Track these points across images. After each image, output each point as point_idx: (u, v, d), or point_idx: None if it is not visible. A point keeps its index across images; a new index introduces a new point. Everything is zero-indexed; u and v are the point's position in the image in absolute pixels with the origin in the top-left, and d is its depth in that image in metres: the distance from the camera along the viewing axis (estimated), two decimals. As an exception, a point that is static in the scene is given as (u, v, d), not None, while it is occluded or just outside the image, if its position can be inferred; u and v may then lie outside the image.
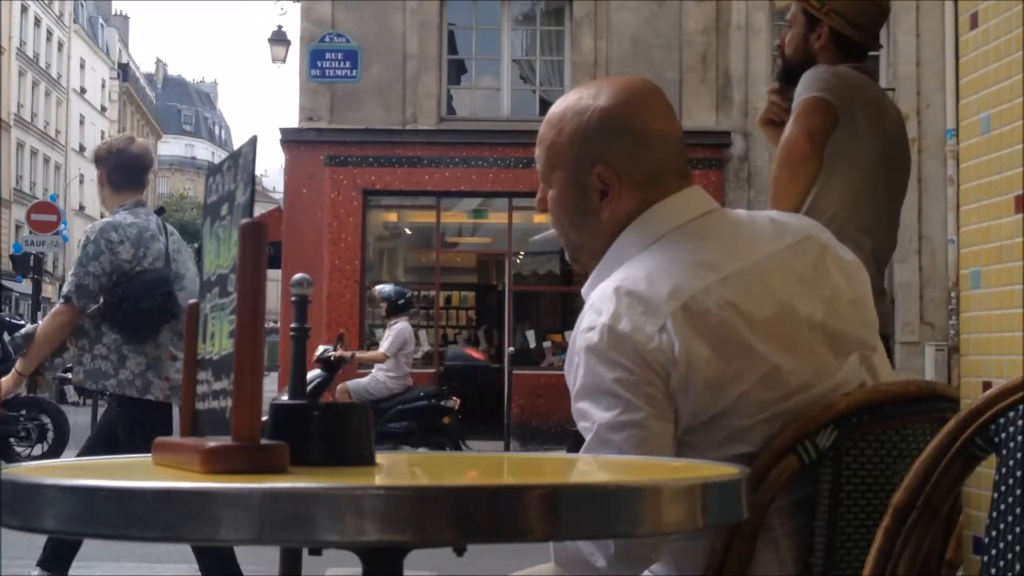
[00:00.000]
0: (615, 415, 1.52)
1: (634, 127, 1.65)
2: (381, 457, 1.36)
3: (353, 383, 10.10)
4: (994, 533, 1.26)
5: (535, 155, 1.73)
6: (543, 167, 1.72)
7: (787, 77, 3.17)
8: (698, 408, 1.54)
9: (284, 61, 17.09)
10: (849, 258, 1.72)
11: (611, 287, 1.57)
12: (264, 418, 1.21)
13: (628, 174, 1.64)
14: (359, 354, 10.84)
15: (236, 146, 1.52)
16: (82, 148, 55.47)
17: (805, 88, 2.96)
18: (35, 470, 1.25)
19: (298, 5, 15.55)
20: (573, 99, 1.69)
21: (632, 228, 1.65)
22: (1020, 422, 1.25)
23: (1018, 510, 1.23)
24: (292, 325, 6.06)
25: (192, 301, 1.42)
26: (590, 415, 1.55)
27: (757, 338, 1.55)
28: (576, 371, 1.57)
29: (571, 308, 15.76)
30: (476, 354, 14.81)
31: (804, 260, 1.65)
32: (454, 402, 9.98)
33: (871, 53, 3.18)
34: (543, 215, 1.80)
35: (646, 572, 1.65)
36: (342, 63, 14.98)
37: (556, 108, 1.71)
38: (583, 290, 1.70)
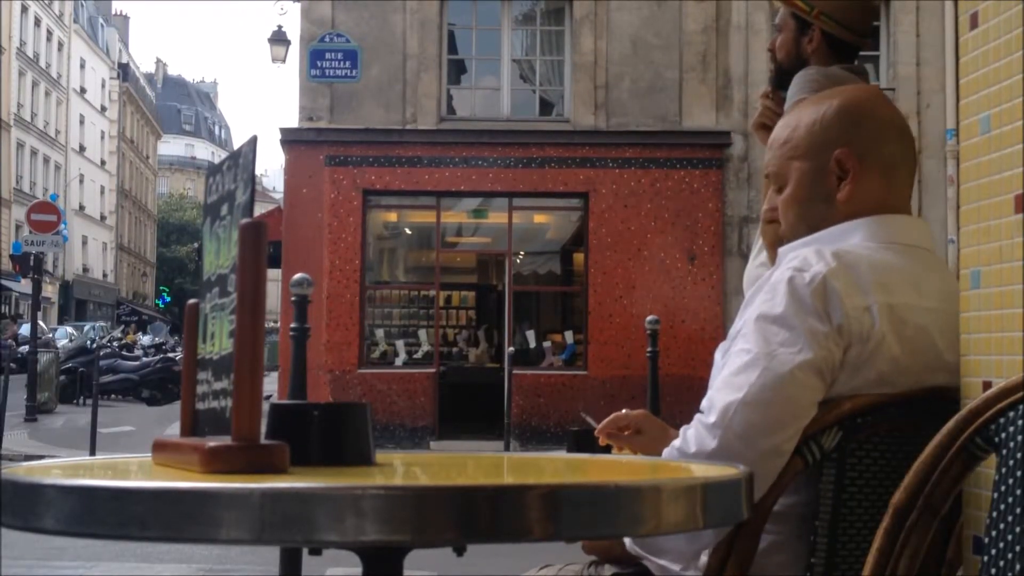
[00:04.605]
0: (791, 351, 1.55)
1: (875, 114, 1.73)
2: (381, 457, 1.36)
3: None
4: (994, 533, 1.26)
5: (765, 165, 1.78)
6: (777, 167, 1.76)
7: (780, 81, 3.16)
8: (858, 388, 1.58)
9: (284, 61, 17.07)
10: None
11: (833, 250, 1.62)
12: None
13: (868, 157, 1.70)
14: None
15: (236, 146, 1.52)
16: (82, 148, 55.49)
17: (796, 91, 2.96)
18: (35, 470, 1.25)
19: (298, 5, 15.54)
20: (806, 104, 1.78)
21: (870, 220, 1.69)
22: (1020, 422, 1.25)
23: (1018, 510, 1.23)
24: (292, 325, 6.07)
25: (192, 301, 1.42)
26: (760, 340, 1.57)
27: (934, 367, 1.62)
28: (770, 298, 1.59)
29: (571, 308, 15.77)
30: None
31: None
32: None
33: (863, 53, 3.18)
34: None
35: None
36: (342, 63, 14.97)
37: (787, 116, 1.78)
38: (782, 248, 1.72)
